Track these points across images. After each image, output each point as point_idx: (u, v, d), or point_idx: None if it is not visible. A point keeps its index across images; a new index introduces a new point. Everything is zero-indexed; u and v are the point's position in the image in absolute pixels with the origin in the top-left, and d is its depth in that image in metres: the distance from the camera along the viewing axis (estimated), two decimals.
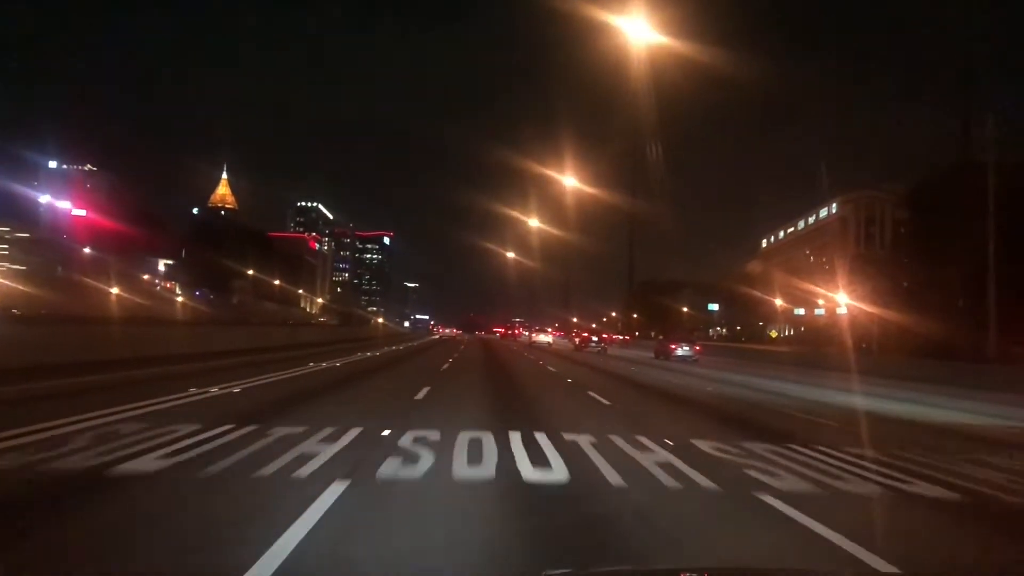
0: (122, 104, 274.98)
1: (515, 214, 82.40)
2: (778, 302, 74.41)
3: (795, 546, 4.69)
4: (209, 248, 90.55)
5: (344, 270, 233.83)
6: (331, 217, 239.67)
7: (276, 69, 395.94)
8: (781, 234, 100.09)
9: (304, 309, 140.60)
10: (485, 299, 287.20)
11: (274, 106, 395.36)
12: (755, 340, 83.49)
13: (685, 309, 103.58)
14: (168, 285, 77.93)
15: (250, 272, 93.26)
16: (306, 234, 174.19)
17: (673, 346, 39.17)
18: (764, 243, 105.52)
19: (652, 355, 41.50)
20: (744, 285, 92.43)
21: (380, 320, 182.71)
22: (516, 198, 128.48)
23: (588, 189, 64.46)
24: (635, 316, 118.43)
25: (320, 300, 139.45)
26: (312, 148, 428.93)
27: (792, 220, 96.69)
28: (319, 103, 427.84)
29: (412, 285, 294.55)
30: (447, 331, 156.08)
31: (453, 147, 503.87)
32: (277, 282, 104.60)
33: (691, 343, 41.29)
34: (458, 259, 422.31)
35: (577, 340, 60.58)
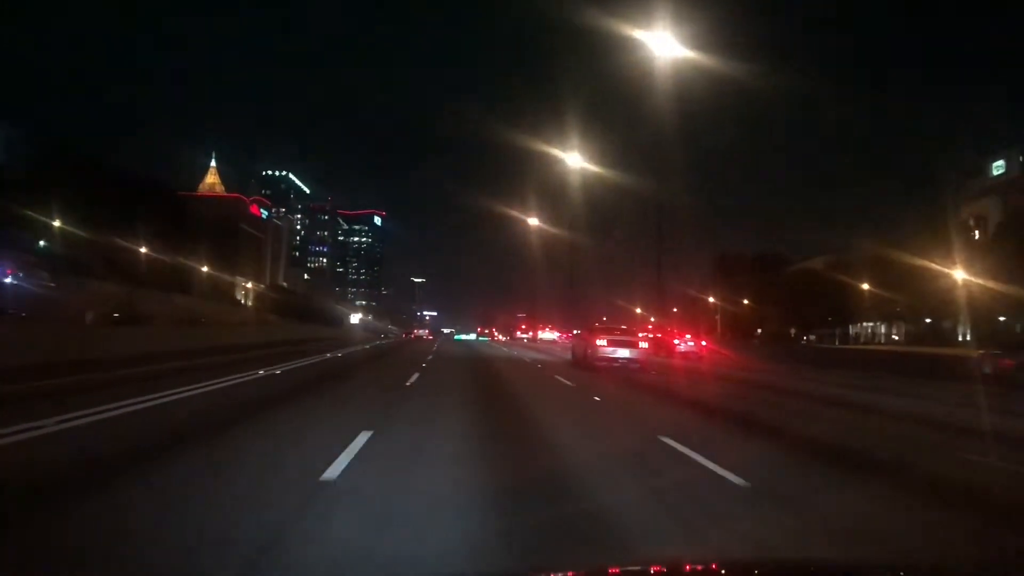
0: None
1: (551, 150, 42.17)
2: None
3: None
4: None
5: (320, 254, 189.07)
6: (307, 191, 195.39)
7: (267, 50, 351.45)
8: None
9: (238, 300, 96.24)
10: (507, 291, 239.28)
11: (264, 89, 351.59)
12: None
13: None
14: None
15: (57, 223, 49.18)
16: (242, 195, 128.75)
17: (678, 342, 37.46)
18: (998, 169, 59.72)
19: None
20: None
21: (360, 316, 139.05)
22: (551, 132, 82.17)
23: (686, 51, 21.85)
24: (745, 302, 73.40)
25: (249, 285, 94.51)
26: (310, 136, 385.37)
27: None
28: (312, 84, 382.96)
29: (419, 280, 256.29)
30: (420, 332, 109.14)
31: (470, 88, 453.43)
32: (144, 250, 60.51)
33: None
34: (472, 246, 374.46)
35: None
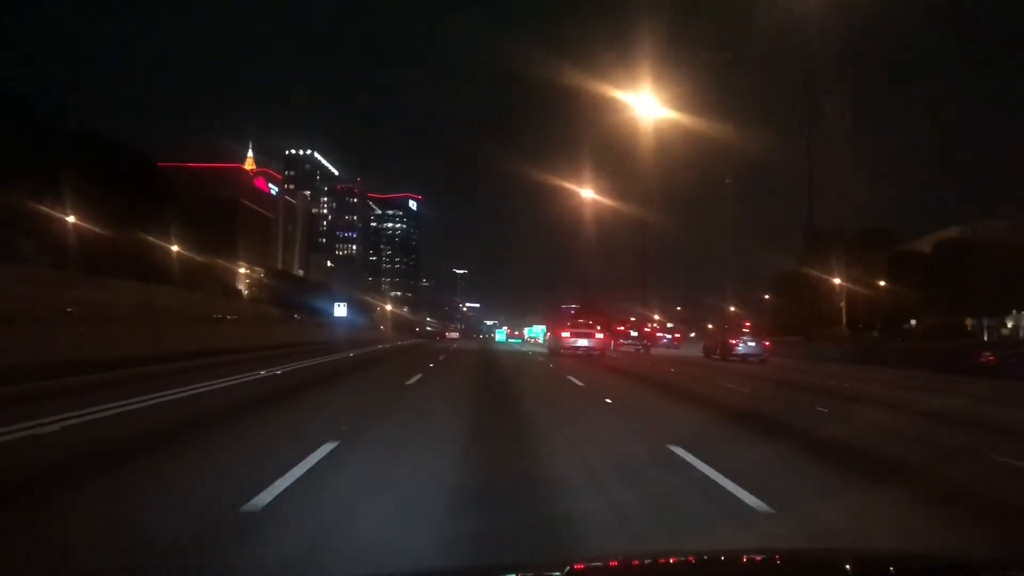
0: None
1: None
2: None
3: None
4: None
5: (349, 240, 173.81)
6: (335, 172, 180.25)
7: (291, 24, 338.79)
8: None
9: (239, 289, 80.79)
10: (561, 281, 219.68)
11: (290, 64, 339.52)
12: None
13: None
14: None
15: None
16: (242, 165, 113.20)
17: (734, 341, 32.09)
18: None
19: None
20: None
21: (388, 308, 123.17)
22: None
23: None
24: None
25: (243, 270, 78.69)
26: (338, 113, 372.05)
27: None
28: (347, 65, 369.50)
29: (461, 271, 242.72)
30: (452, 334, 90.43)
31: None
32: (72, 219, 45.26)
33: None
34: (523, 233, 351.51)
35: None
